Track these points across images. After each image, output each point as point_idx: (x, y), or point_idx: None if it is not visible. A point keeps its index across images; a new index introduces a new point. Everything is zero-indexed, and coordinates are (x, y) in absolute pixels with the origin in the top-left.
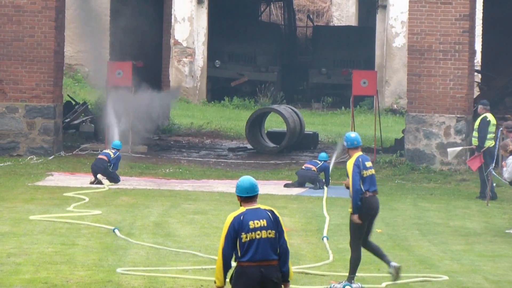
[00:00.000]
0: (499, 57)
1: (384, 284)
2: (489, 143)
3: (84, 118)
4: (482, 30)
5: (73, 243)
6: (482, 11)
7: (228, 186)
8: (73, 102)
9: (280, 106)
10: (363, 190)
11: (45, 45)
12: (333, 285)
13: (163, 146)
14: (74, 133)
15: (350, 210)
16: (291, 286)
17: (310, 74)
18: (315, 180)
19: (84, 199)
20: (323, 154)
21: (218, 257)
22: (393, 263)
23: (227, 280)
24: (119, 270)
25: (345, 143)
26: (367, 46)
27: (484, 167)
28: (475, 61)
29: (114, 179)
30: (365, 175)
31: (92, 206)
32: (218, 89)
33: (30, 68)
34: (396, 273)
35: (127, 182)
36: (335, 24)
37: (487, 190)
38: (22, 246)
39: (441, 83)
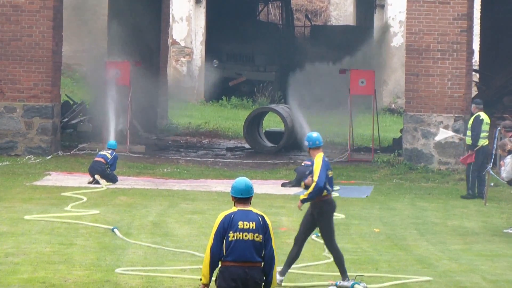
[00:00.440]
0: (497, 57)
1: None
2: (483, 142)
3: (82, 118)
4: (480, 30)
5: (71, 242)
6: (480, 10)
7: (226, 186)
8: (71, 102)
9: (278, 105)
10: (330, 189)
11: (43, 45)
12: (340, 283)
13: (161, 145)
14: (72, 133)
15: (303, 196)
16: (291, 284)
17: None
18: None
19: (82, 199)
20: None
21: (206, 254)
22: (344, 283)
23: (213, 279)
24: (117, 270)
25: (306, 143)
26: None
27: (474, 166)
28: (473, 60)
29: (112, 179)
30: (329, 175)
31: (90, 206)
32: (216, 88)
33: (28, 67)
34: None
35: (125, 182)
36: (333, 24)
37: (485, 190)
38: (20, 245)
39: (439, 83)
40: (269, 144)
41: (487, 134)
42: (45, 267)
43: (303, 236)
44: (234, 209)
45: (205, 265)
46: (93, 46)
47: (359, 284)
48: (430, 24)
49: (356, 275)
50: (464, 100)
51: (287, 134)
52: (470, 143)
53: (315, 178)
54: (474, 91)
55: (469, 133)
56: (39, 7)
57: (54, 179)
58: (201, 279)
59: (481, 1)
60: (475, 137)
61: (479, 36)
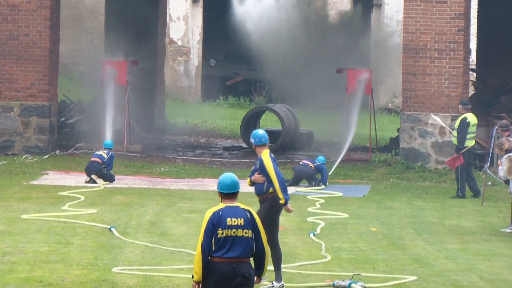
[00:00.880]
0: (494, 56)
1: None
2: (469, 143)
3: (79, 117)
4: (477, 29)
5: (68, 242)
6: (477, 10)
7: None
8: (68, 101)
9: (275, 105)
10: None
11: (40, 44)
12: (337, 282)
13: (158, 145)
14: (69, 132)
15: (281, 200)
16: (287, 285)
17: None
18: (311, 176)
19: (79, 198)
20: (321, 158)
21: (197, 251)
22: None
23: None
24: (114, 269)
25: (252, 140)
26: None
27: (462, 167)
28: (470, 60)
29: (109, 178)
30: None
31: (88, 205)
32: (213, 88)
33: (25, 67)
34: None
35: (122, 181)
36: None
37: (482, 189)
38: (17, 245)
39: (436, 82)
40: None
41: (474, 135)
42: (42, 266)
43: (271, 236)
44: (222, 205)
45: (197, 263)
46: (90, 45)
47: (356, 283)
48: (427, 23)
49: (353, 274)
50: (461, 99)
51: (284, 133)
52: (456, 144)
53: (272, 173)
54: (471, 91)
55: (455, 133)
56: (36, 6)
57: (51, 178)
58: (193, 277)
59: (478, 1)
60: (461, 140)
61: (476, 35)
